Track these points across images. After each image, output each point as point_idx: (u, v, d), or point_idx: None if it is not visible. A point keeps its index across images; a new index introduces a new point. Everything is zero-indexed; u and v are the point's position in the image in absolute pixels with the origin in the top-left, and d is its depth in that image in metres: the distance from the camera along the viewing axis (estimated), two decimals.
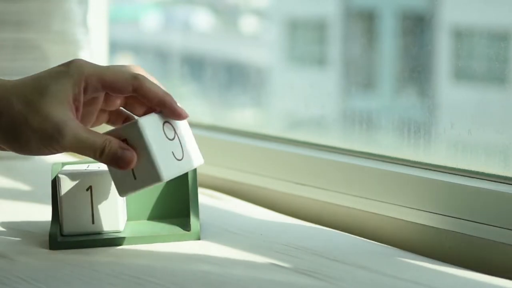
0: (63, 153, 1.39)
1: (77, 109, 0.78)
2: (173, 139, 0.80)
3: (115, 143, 0.78)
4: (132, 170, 0.79)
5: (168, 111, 0.80)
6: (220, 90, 1.71)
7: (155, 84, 0.80)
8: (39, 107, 0.76)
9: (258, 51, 1.97)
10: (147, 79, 0.79)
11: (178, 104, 0.80)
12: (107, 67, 0.79)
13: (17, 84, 0.78)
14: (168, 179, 0.79)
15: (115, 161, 0.78)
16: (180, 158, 0.80)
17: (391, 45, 1.40)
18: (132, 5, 2.44)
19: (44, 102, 0.76)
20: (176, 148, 0.80)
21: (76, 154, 0.84)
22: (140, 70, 0.81)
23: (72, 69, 0.78)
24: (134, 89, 0.79)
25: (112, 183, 0.87)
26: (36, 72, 0.79)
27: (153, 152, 0.78)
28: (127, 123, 0.80)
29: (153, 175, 0.78)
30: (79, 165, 0.90)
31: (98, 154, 0.77)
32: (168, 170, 0.78)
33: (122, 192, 0.81)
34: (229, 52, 2.00)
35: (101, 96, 0.82)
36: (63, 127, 0.76)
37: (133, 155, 0.78)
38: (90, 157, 0.78)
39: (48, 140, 0.76)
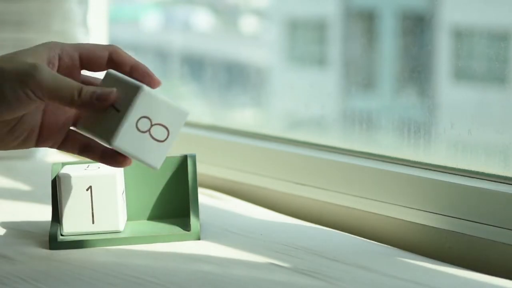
0: (62, 152, 1.39)
1: None
2: None
3: (91, 86, 0.76)
4: (114, 107, 0.75)
5: (141, 75, 0.79)
6: (220, 90, 1.70)
7: (129, 54, 0.80)
8: (13, 57, 0.76)
9: (258, 51, 1.97)
10: (121, 49, 0.80)
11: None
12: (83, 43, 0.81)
13: None
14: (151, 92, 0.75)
15: (95, 99, 0.75)
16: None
17: (391, 45, 1.40)
18: (132, 5, 2.44)
19: (19, 54, 0.76)
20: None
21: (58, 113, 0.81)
22: None
23: (47, 42, 0.79)
24: (110, 53, 0.79)
25: (113, 181, 0.87)
26: None
27: (124, 77, 0.76)
28: None
29: (133, 88, 0.75)
30: (79, 165, 0.90)
31: (76, 94, 0.75)
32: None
33: (114, 137, 0.74)
34: (229, 52, 1.99)
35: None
36: (39, 65, 0.75)
37: (112, 89, 0.75)
38: (67, 100, 0.75)
39: (24, 77, 0.75)
